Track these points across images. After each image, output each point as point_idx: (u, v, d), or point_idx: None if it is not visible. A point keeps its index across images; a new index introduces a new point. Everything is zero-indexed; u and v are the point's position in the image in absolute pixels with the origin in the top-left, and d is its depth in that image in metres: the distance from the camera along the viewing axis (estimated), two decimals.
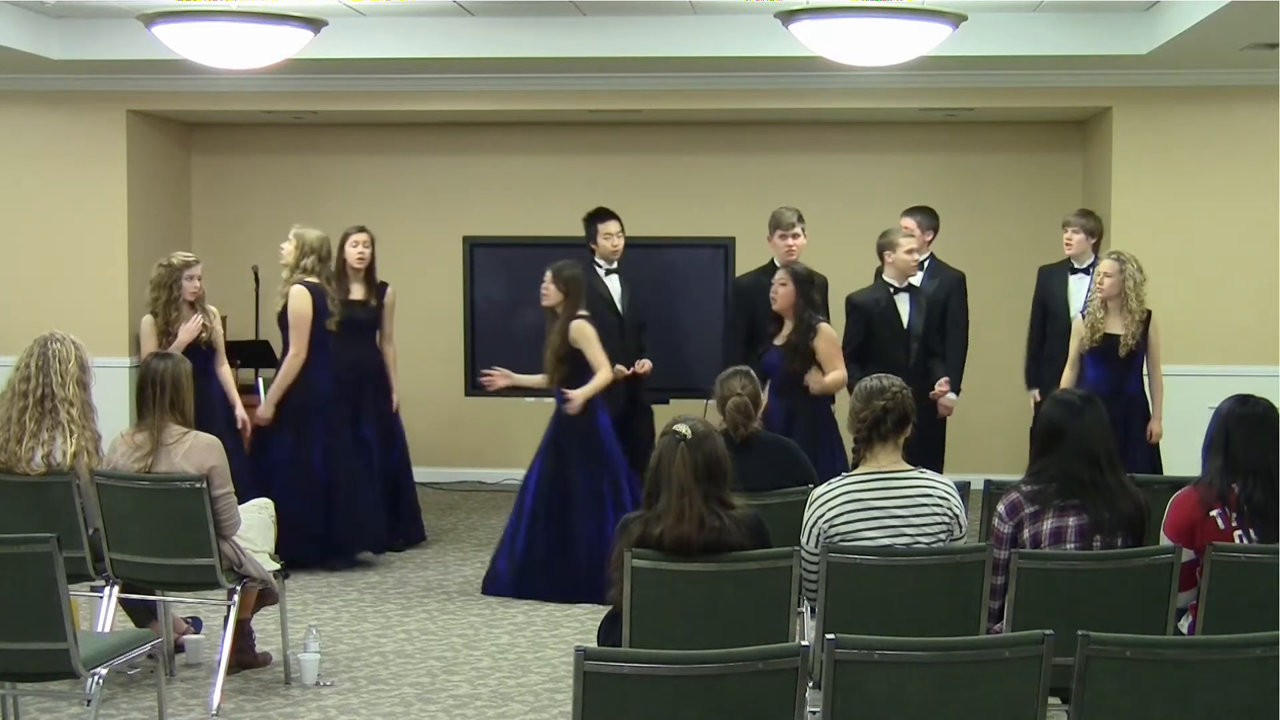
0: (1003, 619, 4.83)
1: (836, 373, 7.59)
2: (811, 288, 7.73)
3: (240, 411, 8.40)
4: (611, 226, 8.68)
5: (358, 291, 8.90)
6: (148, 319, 8.14)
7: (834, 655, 3.66)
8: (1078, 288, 8.46)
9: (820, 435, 7.67)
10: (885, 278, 8.26)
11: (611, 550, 4.71)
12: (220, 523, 6.00)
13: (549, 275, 7.91)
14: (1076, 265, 8.56)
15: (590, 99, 10.30)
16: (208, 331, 8.18)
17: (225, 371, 8.40)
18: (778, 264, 8.38)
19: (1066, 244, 8.59)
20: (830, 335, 7.72)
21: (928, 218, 8.81)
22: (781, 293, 7.70)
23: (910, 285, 8.28)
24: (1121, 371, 7.86)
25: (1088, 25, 9.28)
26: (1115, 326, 7.81)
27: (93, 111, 10.52)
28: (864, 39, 7.16)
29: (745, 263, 8.67)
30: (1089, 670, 3.75)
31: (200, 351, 8.07)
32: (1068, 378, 7.88)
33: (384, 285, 9.05)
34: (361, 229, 8.96)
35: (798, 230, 8.30)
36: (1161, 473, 7.75)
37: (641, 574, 4.56)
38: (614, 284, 8.68)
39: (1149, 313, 7.84)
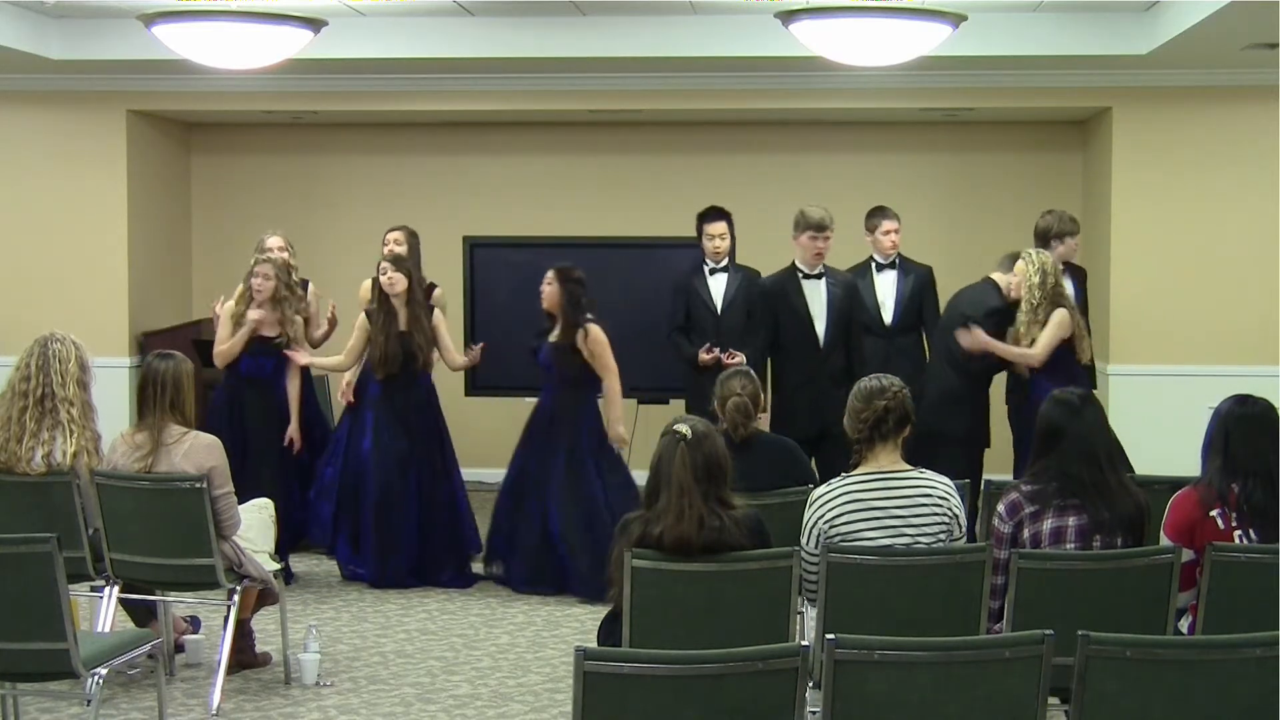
0: (1003, 619, 4.83)
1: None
2: (579, 288, 7.83)
3: (293, 428, 8.12)
4: (714, 228, 8.43)
5: None
6: (229, 304, 8.08)
7: (834, 655, 3.67)
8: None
9: (584, 431, 7.90)
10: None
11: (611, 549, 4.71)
12: (220, 523, 6.00)
13: (390, 267, 8.10)
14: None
15: (590, 99, 10.29)
16: (285, 335, 8.01)
17: (294, 385, 8.12)
18: (799, 264, 8.33)
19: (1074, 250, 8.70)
20: (598, 336, 7.79)
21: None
22: (547, 292, 7.88)
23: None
24: (1039, 373, 7.81)
25: (1088, 25, 9.27)
26: (1034, 329, 7.82)
27: (93, 111, 10.50)
28: (864, 39, 7.16)
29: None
30: (1089, 670, 3.75)
31: (274, 354, 8.04)
32: (1012, 353, 7.91)
33: (431, 285, 8.73)
34: (395, 228, 8.77)
35: (829, 233, 8.25)
36: None
37: (641, 574, 4.56)
38: (719, 282, 8.44)
39: (1053, 310, 7.78)
